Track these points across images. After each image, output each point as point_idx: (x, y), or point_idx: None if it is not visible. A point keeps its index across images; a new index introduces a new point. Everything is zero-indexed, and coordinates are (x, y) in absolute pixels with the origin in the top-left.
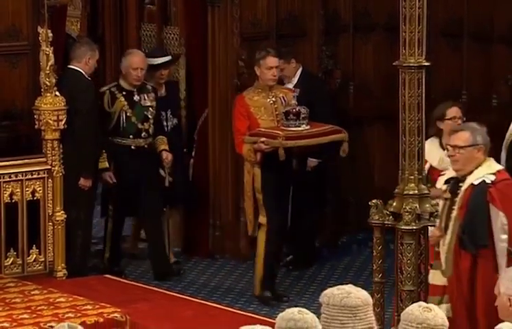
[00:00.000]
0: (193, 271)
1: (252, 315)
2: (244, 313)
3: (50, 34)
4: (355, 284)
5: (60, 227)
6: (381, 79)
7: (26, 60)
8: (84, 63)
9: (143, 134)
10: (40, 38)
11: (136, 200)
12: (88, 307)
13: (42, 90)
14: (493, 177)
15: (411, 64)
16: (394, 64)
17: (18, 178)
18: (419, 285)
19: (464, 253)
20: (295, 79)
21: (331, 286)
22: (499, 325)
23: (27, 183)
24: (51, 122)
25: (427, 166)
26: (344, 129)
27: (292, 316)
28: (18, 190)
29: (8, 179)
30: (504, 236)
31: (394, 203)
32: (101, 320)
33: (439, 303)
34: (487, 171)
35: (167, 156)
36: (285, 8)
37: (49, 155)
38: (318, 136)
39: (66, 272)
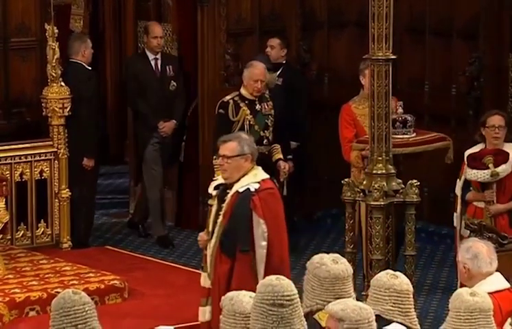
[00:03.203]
0: (185, 243)
1: None
2: None
3: (56, 30)
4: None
5: (65, 203)
6: (353, 70)
7: (34, 54)
8: (81, 55)
9: (264, 141)
10: (47, 34)
11: None
12: (91, 275)
13: (48, 80)
14: (257, 186)
15: (379, 57)
16: (364, 57)
17: (28, 160)
18: (386, 254)
19: (225, 257)
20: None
21: (307, 257)
22: (459, 289)
23: (35, 164)
24: (57, 109)
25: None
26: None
27: (270, 282)
28: (27, 170)
29: (19, 161)
30: (264, 243)
31: (364, 182)
32: (103, 286)
33: (205, 304)
34: (252, 179)
35: (285, 166)
36: (267, 7)
37: (55, 139)
38: (423, 143)
39: (71, 244)
